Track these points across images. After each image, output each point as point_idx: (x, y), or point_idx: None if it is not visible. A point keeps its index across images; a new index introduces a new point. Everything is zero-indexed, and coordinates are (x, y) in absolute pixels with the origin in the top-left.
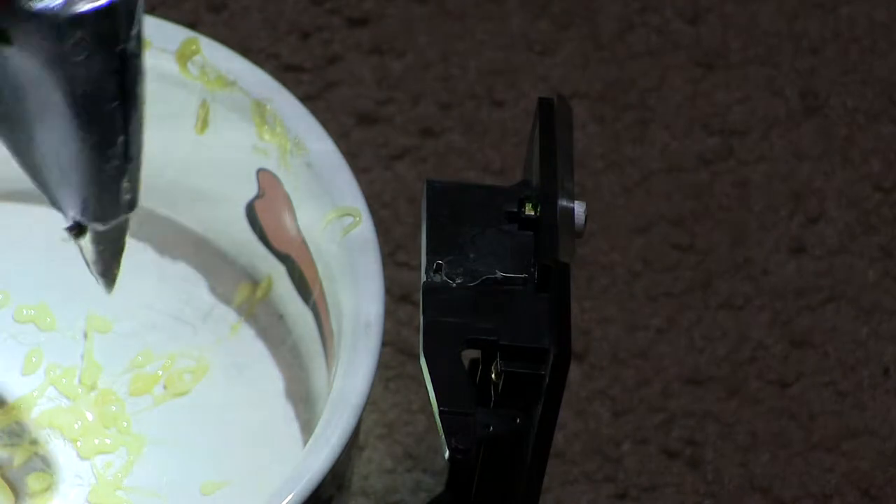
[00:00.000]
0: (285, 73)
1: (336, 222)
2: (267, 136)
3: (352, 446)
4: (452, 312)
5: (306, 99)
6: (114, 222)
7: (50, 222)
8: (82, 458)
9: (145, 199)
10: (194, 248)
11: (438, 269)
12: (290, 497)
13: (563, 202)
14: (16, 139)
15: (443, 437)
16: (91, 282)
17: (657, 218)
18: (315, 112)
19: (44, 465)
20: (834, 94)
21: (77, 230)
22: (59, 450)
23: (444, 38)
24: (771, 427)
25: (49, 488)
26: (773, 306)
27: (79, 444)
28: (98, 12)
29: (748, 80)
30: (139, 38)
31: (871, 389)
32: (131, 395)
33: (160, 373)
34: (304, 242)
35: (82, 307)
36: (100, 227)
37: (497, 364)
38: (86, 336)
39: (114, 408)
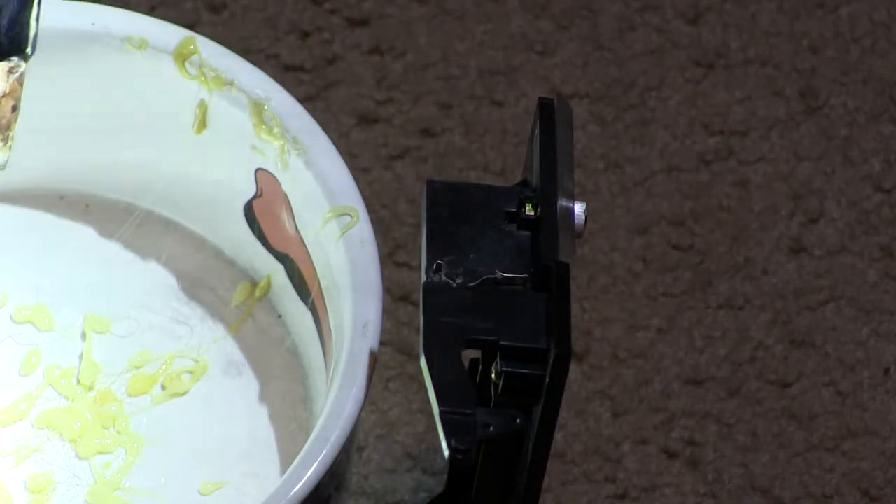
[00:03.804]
0: (285, 73)
1: (334, 222)
2: (265, 136)
3: (350, 446)
4: (452, 312)
5: (306, 99)
6: None
7: (49, 223)
8: (81, 458)
9: (143, 199)
10: (192, 248)
11: (438, 269)
12: (288, 497)
13: (563, 202)
14: None
15: (443, 437)
16: (90, 282)
17: (657, 218)
18: (315, 112)
19: (42, 465)
20: (834, 94)
21: None
22: (57, 450)
23: (444, 38)
24: (771, 427)
25: (48, 489)
26: (773, 306)
27: (77, 444)
28: None
29: (748, 80)
30: None
31: (871, 389)
32: (130, 395)
33: (159, 373)
34: (302, 242)
35: (81, 308)
36: None
37: (497, 364)
38: (84, 336)
39: (112, 408)
